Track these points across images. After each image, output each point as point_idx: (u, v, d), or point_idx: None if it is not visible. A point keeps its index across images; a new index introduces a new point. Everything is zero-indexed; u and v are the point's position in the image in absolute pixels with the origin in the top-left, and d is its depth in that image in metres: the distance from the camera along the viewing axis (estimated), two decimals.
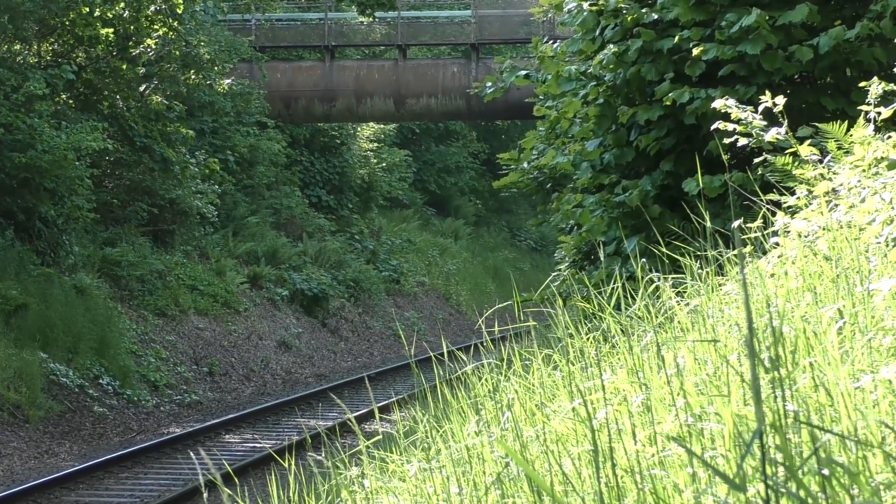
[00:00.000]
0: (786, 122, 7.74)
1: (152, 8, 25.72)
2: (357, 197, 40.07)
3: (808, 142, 7.61)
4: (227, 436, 20.30)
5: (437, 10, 40.89)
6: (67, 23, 24.89)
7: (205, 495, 5.13)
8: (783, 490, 2.69)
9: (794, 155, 7.56)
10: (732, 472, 3.42)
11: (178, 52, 26.56)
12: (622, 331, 5.20)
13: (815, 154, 7.35)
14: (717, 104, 8.47)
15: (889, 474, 3.09)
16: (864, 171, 6.50)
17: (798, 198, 6.77)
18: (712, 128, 8.65)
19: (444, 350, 6.13)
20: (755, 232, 6.35)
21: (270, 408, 22.58)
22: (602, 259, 9.04)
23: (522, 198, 46.87)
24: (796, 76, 11.90)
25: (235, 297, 28.89)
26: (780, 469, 2.95)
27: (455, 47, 43.43)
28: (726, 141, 8.15)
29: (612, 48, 12.17)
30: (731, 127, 8.19)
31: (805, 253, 5.48)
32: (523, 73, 15.09)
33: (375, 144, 41.79)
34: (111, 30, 25.38)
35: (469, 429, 5.14)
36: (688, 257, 5.86)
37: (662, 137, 12.17)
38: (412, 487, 5.15)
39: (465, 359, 6.04)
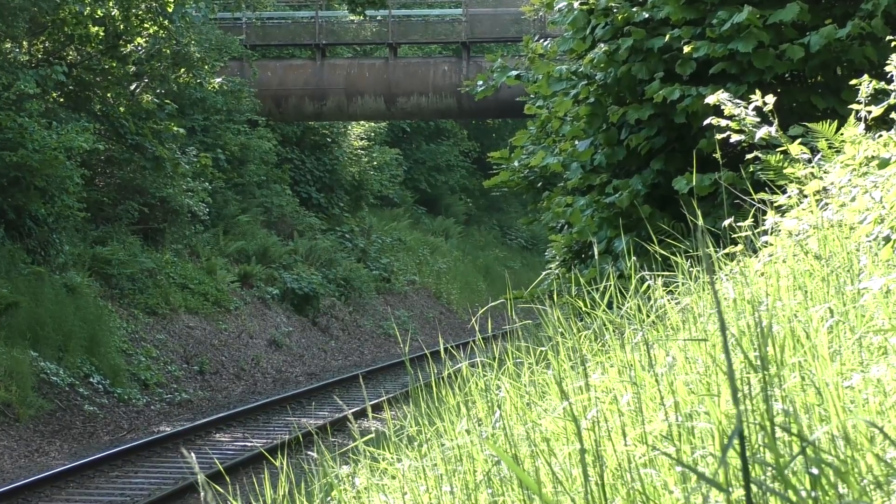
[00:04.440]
0: (776, 121, 7.73)
1: (143, 6, 25.67)
2: (348, 195, 40.03)
3: (799, 140, 7.60)
4: (217, 434, 20.28)
5: (427, 9, 40.85)
6: (58, 21, 24.83)
7: (202, 494, 5.12)
8: (770, 490, 2.69)
9: (785, 153, 7.56)
10: (722, 471, 3.41)
11: (168, 51, 26.51)
12: (613, 329, 5.19)
13: (805, 153, 7.34)
14: (711, 99, 8.44)
15: (878, 473, 3.09)
16: (854, 169, 6.50)
17: (789, 196, 6.77)
18: (704, 123, 8.64)
19: (427, 352, 6.12)
20: (746, 230, 6.35)
21: (261, 406, 22.57)
22: (596, 257, 9.03)
23: (513, 196, 46.83)
24: (787, 75, 11.91)
25: (226, 295, 28.85)
26: (770, 469, 2.94)
27: (446, 46, 43.40)
28: (718, 137, 8.14)
29: (602, 47, 12.16)
30: (723, 123, 8.18)
31: (795, 252, 5.48)
32: (514, 73, 15.07)
33: (366, 143, 41.75)
34: (101, 28, 25.32)
35: (459, 427, 5.13)
36: (679, 256, 5.85)
37: (653, 136, 12.17)
38: (403, 486, 5.14)
39: (458, 356, 6.03)
